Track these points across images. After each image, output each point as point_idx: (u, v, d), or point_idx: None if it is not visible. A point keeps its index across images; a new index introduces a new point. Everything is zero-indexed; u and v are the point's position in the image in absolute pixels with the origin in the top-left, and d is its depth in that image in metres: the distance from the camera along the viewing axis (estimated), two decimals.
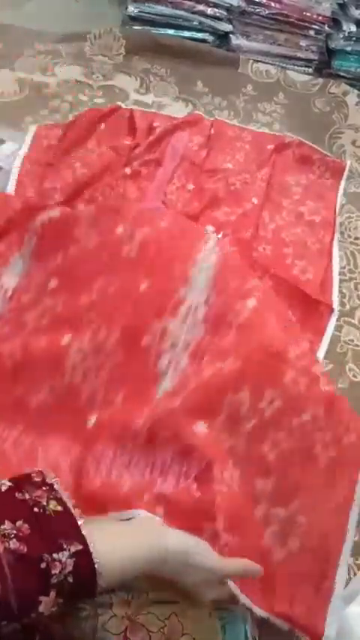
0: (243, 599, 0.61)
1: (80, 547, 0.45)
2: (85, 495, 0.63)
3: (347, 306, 1.04)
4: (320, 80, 1.47)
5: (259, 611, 0.62)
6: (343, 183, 1.22)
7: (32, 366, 0.71)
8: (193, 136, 1.22)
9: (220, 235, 1.03)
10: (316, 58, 1.55)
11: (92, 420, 0.70)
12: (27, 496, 0.46)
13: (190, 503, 0.63)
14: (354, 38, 1.51)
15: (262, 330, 0.74)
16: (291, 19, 1.48)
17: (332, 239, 1.11)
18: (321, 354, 0.94)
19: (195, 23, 1.48)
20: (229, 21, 1.50)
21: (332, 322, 0.98)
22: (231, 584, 0.60)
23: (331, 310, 1.00)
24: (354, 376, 0.95)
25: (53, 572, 0.42)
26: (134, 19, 1.48)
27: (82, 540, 0.45)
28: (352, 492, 0.70)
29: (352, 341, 0.99)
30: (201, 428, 0.68)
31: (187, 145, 1.19)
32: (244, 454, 0.68)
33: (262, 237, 1.06)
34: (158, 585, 0.57)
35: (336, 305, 1.01)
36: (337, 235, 1.11)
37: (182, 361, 0.73)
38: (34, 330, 0.75)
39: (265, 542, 0.66)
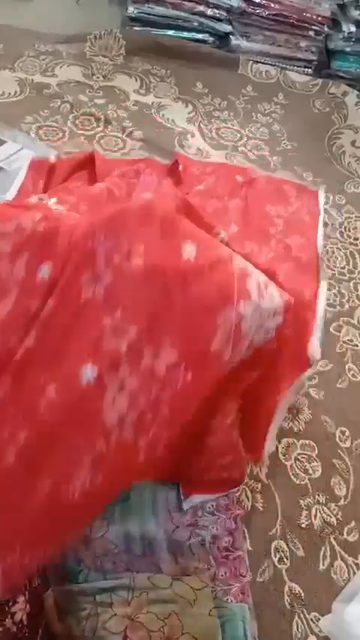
0: None
1: None
2: None
3: (346, 306, 1.05)
4: (319, 81, 1.47)
5: None
6: (321, 225, 1.07)
7: None
8: (163, 180, 1.07)
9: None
10: (315, 58, 1.55)
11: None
12: None
13: None
14: (353, 39, 1.52)
15: None
16: (291, 20, 1.49)
17: (317, 288, 0.94)
18: (286, 403, 0.85)
19: (195, 24, 1.49)
20: (229, 22, 1.51)
21: (305, 374, 0.86)
22: None
23: (309, 364, 0.87)
24: (353, 376, 0.95)
25: None
26: (134, 20, 1.48)
27: None
28: None
29: (352, 341, 0.99)
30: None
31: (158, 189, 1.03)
32: None
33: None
34: None
35: (312, 357, 0.85)
36: (322, 283, 0.94)
37: None
38: None
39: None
